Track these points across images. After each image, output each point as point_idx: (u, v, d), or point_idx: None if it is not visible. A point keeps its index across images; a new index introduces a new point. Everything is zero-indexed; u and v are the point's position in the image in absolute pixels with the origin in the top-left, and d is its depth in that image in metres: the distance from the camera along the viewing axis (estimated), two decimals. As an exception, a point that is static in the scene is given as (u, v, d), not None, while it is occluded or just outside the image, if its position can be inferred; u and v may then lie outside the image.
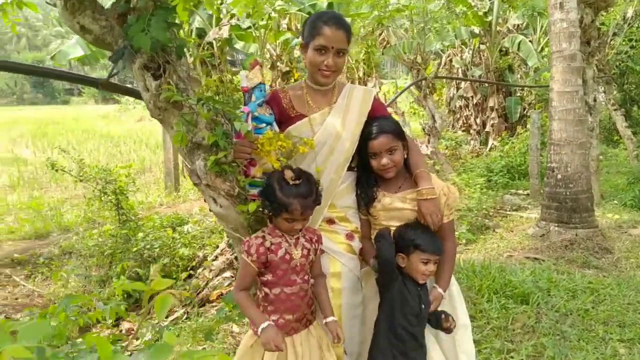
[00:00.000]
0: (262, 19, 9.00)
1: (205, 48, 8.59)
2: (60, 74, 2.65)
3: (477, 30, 12.53)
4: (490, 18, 12.05)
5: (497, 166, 9.01)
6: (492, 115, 13.28)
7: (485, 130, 13.41)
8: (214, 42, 8.49)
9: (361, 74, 12.27)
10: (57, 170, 4.69)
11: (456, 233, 5.80)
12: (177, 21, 2.25)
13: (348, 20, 8.85)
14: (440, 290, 2.36)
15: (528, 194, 7.72)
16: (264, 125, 2.28)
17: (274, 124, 2.34)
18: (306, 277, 2.08)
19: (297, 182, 1.99)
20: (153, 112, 2.22)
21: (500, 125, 13.10)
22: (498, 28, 12.44)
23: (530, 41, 12.10)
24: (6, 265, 5.19)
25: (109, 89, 2.38)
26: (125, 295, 4.76)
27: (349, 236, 2.37)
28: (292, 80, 12.23)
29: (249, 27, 9.11)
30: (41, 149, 15.23)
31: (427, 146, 7.92)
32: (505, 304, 3.79)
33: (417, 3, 7.86)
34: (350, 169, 2.43)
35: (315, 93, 2.39)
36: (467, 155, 12.22)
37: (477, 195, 6.36)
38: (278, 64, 11.43)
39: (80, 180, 4.77)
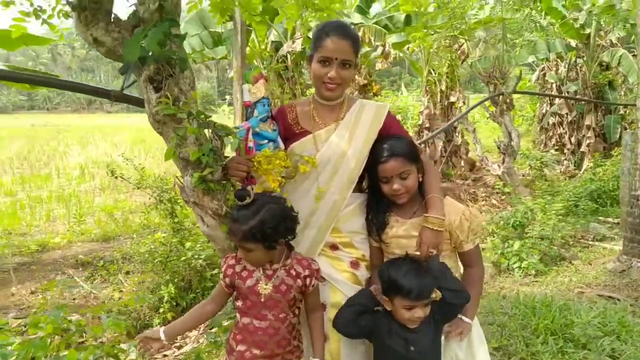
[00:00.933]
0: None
1: (280, 61, 8.68)
2: (73, 86, 2.69)
3: (574, 43, 11.67)
4: (588, 30, 11.16)
5: (585, 190, 8.22)
6: (588, 134, 12.24)
7: (581, 150, 12.39)
8: (288, 55, 8.56)
9: (443, 88, 11.81)
10: (116, 177, 4.88)
11: (526, 262, 5.32)
12: (180, 33, 2.19)
13: (425, 31, 8.57)
14: (467, 319, 2.13)
15: (617, 223, 6.95)
16: (265, 141, 2.15)
17: (279, 140, 2.20)
18: (282, 315, 1.91)
19: (240, 203, 1.81)
20: (153, 125, 2.17)
21: (597, 145, 12.03)
22: (598, 41, 11.48)
23: (634, 55, 11.05)
24: (71, 265, 5.48)
25: (121, 100, 2.37)
26: (175, 303, 4.85)
27: (354, 264, 2.18)
28: (371, 94, 12.08)
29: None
30: (137, 155, 16.23)
31: (499, 166, 7.39)
32: (562, 348, 3.36)
33: (498, 15, 7.41)
34: (360, 190, 2.24)
35: (322, 108, 2.23)
36: (558, 176, 11.32)
37: (552, 222, 5.80)
38: (356, 77, 11.34)
39: (138, 188, 4.93)
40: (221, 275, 1.92)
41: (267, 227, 1.78)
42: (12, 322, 4.30)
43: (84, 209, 8.76)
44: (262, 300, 1.87)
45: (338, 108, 2.22)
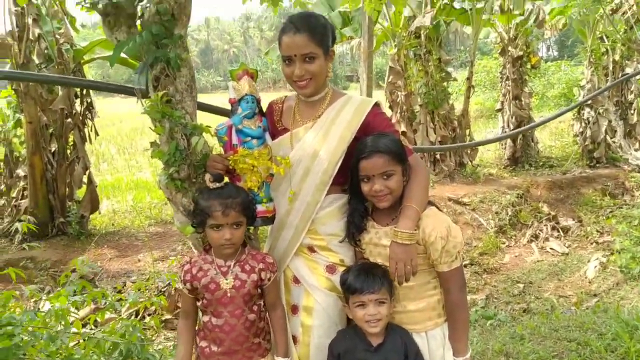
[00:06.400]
0: (479, 1, 8.32)
1: (414, 38, 8.34)
2: (96, 85, 2.92)
3: None
4: None
5: None
6: None
7: None
8: (421, 30, 8.19)
9: (617, 57, 10.24)
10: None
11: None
12: (177, 33, 2.27)
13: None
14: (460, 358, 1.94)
15: None
16: (249, 138, 2.14)
17: (266, 137, 2.17)
18: (238, 312, 1.91)
19: (218, 185, 1.91)
20: (152, 123, 2.30)
21: None
22: None
23: None
24: (193, 238, 6.09)
25: (146, 97, 2.54)
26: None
27: (330, 268, 2.08)
28: (528, 67, 10.97)
29: (464, 11, 8.52)
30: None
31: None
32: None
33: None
34: (344, 191, 2.12)
35: (304, 105, 2.15)
36: None
37: None
38: (509, 48, 10.41)
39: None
40: (181, 286, 1.97)
41: (250, 200, 1.93)
42: (129, 284, 4.95)
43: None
44: (218, 297, 1.90)
45: (319, 104, 2.11)
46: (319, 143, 2.04)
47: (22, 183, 6.18)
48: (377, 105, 2.09)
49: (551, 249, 6.26)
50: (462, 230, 6.22)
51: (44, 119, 5.89)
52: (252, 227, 2.19)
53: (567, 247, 6.25)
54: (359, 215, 2.03)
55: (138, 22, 2.48)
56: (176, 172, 2.03)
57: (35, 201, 5.88)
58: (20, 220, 5.93)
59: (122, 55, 6.04)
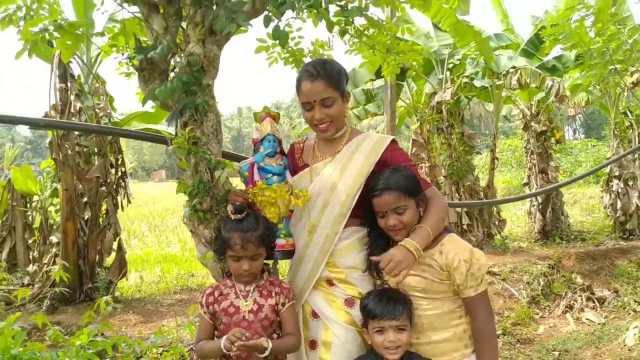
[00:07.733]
0: (498, 78, 8.58)
1: (436, 112, 8.56)
2: (129, 134, 3.10)
3: None
4: None
5: None
6: None
7: None
8: (443, 105, 8.41)
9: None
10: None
11: None
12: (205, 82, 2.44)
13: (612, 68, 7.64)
14: None
15: None
16: (270, 175, 2.24)
17: (286, 174, 2.27)
18: (256, 338, 1.91)
19: (239, 216, 1.96)
20: (177, 163, 2.42)
21: None
22: None
23: None
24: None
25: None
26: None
27: (349, 302, 2.09)
28: (552, 141, 11.00)
29: (484, 88, 8.77)
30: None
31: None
32: None
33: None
34: (362, 224, 2.16)
35: (323, 142, 2.26)
36: None
37: None
38: (532, 124, 10.53)
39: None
40: (202, 310, 2.01)
41: (269, 232, 1.99)
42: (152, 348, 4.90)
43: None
44: (236, 321, 1.93)
45: (338, 141, 2.21)
46: (337, 176, 2.11)
47: (54, 249, 6.35)
48: (394, 142, 2.18)
49: (587, 319, 5.99)
50: (493, 301, 6.09)
51: (80, 187, 6.14)
52: (271, 261, 2.23)
53: (604, 318, 5.98)
54: (380, 247, 2.06)
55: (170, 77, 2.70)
56: (199, 204, 2.11)
57: (65, 266, 6.00)
58: (52, 286, 6.04)
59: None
